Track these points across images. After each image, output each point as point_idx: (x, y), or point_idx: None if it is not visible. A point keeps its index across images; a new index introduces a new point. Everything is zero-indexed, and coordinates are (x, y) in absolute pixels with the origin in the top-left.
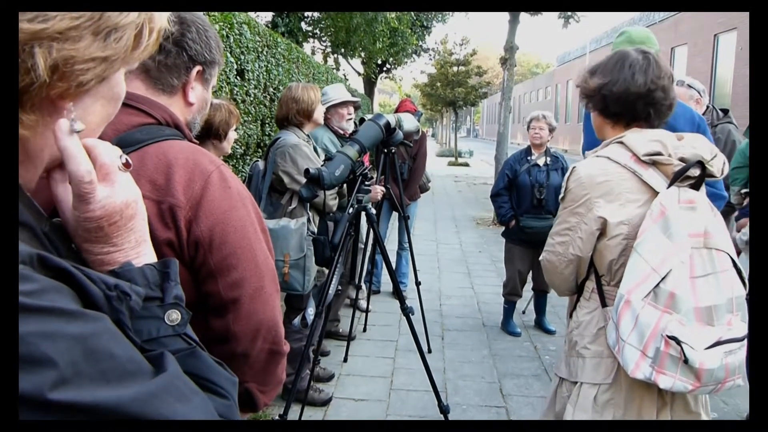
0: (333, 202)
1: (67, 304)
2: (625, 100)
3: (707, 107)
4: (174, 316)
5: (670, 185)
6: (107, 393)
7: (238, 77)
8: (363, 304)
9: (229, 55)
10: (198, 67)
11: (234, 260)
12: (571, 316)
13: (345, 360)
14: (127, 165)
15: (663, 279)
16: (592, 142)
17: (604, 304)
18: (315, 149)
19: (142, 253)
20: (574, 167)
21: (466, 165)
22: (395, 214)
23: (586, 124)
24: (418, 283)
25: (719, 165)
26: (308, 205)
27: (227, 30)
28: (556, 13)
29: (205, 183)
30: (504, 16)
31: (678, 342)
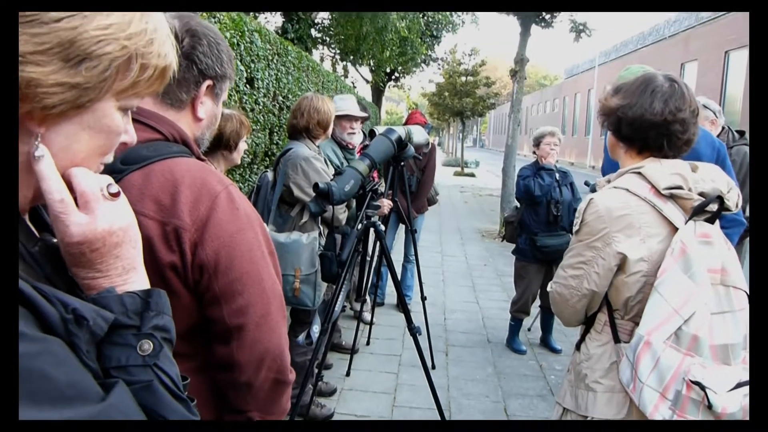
0: (342, 216)
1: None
2: (638, 126)
3: (723, 128)
4: (146, 346)
5: (688, 220)
6: (29, 414)
7: (247, 85)
8: (367, 316)
9: (239, 63)
10: (208, 82)
11: (240, 286)
12: (578, 347)
13: (348, 374)
14: (114, 195)
15: (686, 321)
16: (611, 162)
17: (617, 339)
18: (327, 161)
19: (130, 281)
20: (591, 199)
21: (472, 175)
22: (402, 226)
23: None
24: (423, 298)
25: (734, 198)
26: (319, 219)
27: (238, 38)
28: (568, 26)
29: (212, 204)
30: (515, 28)
31: (702, 387)
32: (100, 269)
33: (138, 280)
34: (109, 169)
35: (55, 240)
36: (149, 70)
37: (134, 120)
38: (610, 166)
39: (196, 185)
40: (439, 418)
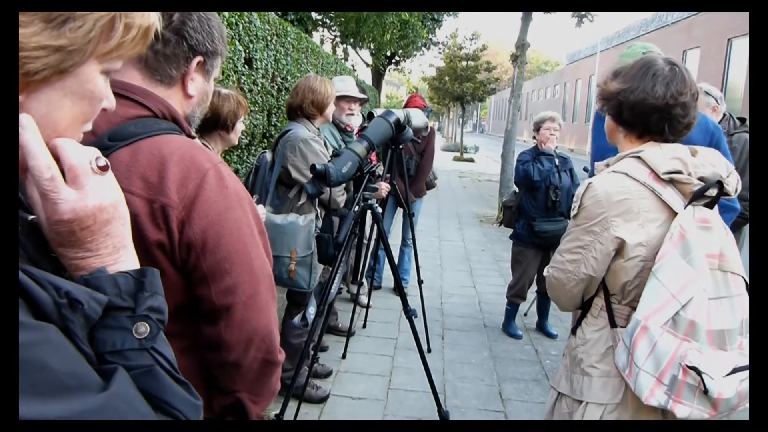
0: (341, 198)
1: None
2: (640, 110)
3: (724, 115)
4: (142, 329)
5: (687, 205)
6: (32, 407)
7: (245, 66)
8: (363, 299)
9: (237, 43)
10: (199, 58)
11: (228, 265)
12: (574, 331)
13: (344, 356)
14: (103, 168)
15: (683, 306)
16: (602, 147)
17: (613, 324)
18: (325, 143)
19: (121, 260)
20: (589, 183)
21: (472, 161)
22: (400, 210)
23: (595, 130)
24: (420, 282)
25: (734, 183)
26: (317, 201)
27: (236, 17)
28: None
29: (200, 182)
30: (516, 13)
31: (699, 372)
32: (90, 248)
33: (128, 259)
34: (96, 146)
35: (31, 217)
36: (133, 30)
37: (123, 96)
38: (598, 154)
39: (184, 162)
40: (435, 402)
